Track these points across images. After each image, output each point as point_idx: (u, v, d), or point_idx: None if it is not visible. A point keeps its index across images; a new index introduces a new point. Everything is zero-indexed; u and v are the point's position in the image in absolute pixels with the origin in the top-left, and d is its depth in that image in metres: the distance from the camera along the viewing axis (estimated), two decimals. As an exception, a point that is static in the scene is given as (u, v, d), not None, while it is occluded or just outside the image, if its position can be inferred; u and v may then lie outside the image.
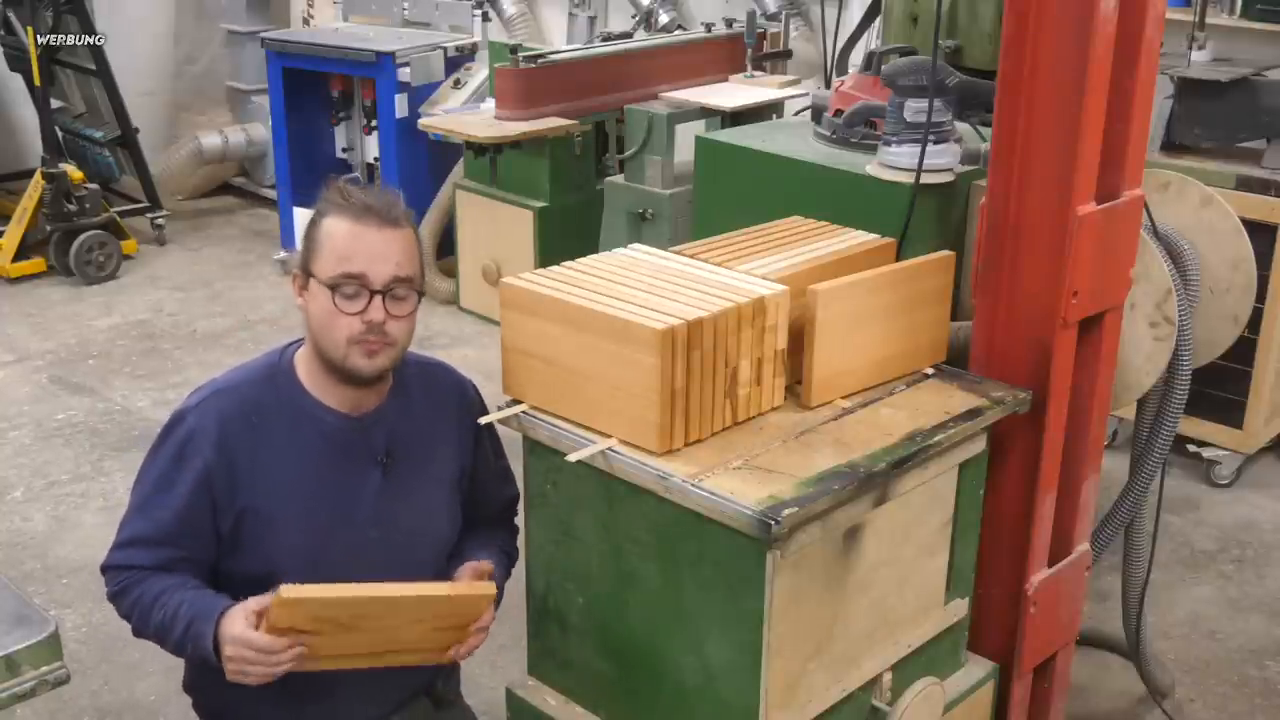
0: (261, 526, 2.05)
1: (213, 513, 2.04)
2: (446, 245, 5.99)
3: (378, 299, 2.01)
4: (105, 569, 2.10)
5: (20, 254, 6.21)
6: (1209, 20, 4.42)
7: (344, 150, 6.59)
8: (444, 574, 2.18)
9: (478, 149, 5.10)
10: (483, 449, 2.28)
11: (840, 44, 4.93)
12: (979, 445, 2.32)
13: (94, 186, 6.29)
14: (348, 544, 2.09)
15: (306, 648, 1.92)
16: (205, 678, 2.23)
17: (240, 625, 1.92)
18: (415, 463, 2.14)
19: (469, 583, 2.10)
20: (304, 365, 2.12)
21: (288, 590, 1.84)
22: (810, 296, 2.20)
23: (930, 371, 2.44)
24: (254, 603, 1.93)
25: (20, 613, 1.80)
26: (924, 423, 2.21)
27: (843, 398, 2.30)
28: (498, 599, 2.12)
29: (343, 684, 2.16)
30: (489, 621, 2.06)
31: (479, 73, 5.95)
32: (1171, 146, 4.26)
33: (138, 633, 2.09)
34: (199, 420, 2.07)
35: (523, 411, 2.22)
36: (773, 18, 5.77)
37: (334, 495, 2.09)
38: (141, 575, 2.05)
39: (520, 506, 2.32)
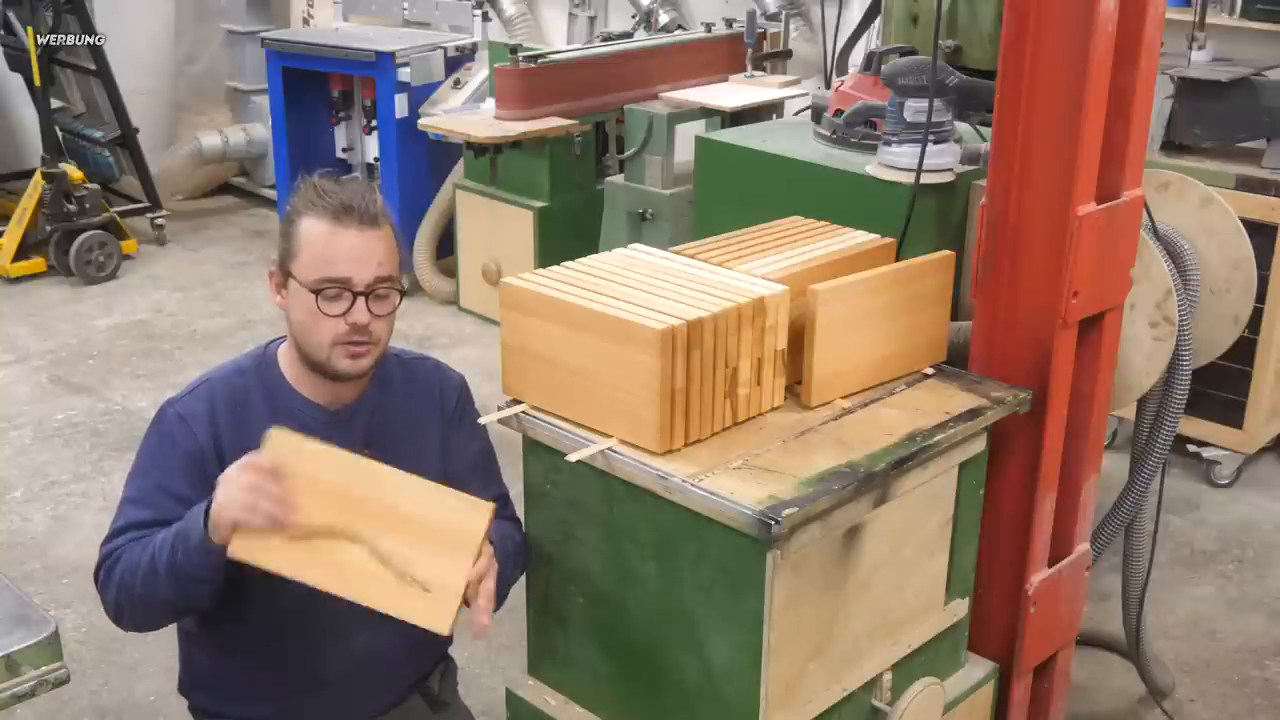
0: None
1: (207, 494, 2.03)
2: (446, 245, 5.99)
3: (361, 300, 2.01)
4: (100, 561, 2.05)
5: (20, 254, 6.21)
6: (1209, 20, 4.42)
7: (344, 150, 6.60)
8: None
9: (478, 149, 5.10)
10: (460, 440, 2.24)
11: (840, 44, 4.93)
12: (979, 445, 2.32)
13: (94, 186, 6.29)
14: None
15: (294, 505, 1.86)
16: (200, 676, 2.24)
17: (233, 468, 1.88)
18: (395, 455, 2.13)
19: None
20: (286, 359, 2.14)
21: (278, 429, 1.87)
22: (810, 296, 2.20)
23: (930, 371, 2.44)
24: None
25: (20, 613, 1.80)
26: (924, 423, 2.21)
27: (843, 398, 2.29)
28: (502, 591, 2.08)
29: (337, 680, 2.16)
30: (486, 566, 1.91)
31: (479, 73, 5.95)
32: (1171, 146, 4.26)
33: (128, 601, 1.99)
34: (189, 406, 2.09)
35: (523, 411, 2.22)
36: (773, 18, 5.77)
37: None
38: (132, 545, 2.00)
39: (520, 506, 2.31)
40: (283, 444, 1.89)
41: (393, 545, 1.88)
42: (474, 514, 1.92)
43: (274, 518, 1.84)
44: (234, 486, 1.85)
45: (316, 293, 2.00)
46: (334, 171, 2.12)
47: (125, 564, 1.99)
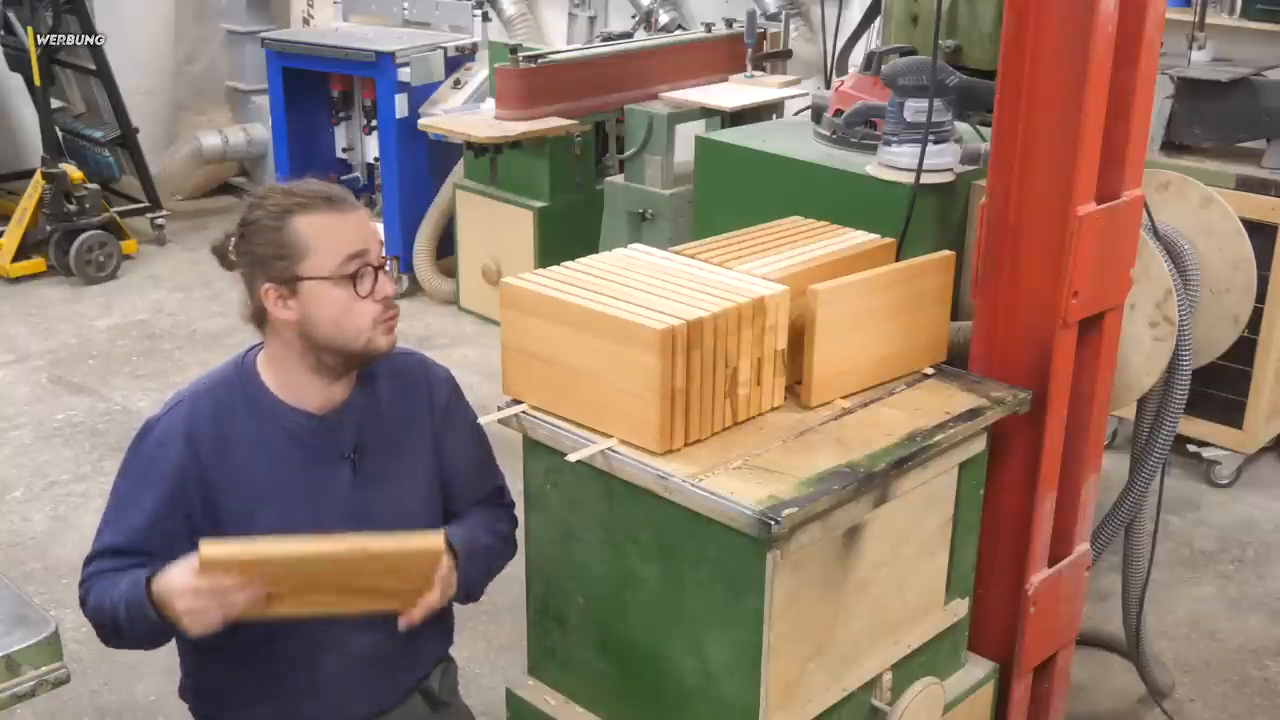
0: (238, 528, 2.03)
1: (188, 518, 2.02)
2: (446, 245, 5.99)
3: (382, 274, 2.03)
4: (80, 582, 2.06)
5: (20, 254, 6.21)
6: (1209, 20, 4.42)
7: (344, 150, 6.59)
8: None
9: (478, 149, 5.10)
10: (455, 436, 2.23)
11: (840, 44, 4.94)
12: (979, 445, 2.32)
13: (94, 186, 6.29)
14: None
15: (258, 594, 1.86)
16: (199, 680, 2.23)
17: (181, 577, 1.86)
18: (386, 455, 2.12)
19: (415, 535, 1.98)
20: (267, 368, 2.10)
21: (207, 548, 1.79)
22: (810, 296, 2.20)
23: (930, 371, 2.44)
24: (189, 559, 1.87)
25: (20, 613, 1.81)
26: (924, 423, 2.21)
27: (843, 398, 2.30)
28: (473, 575, 2.13)
29: (337, 684, 2.16)
30: (445, 573, 1.98)
31: (479, 73, 5.95)
32: (1171, 146, 4.26)
33: (108, 637, 2.03)
34: (168, 426, 2.06)
35: (523, 411, 2.22)
36: (773, 18, 5.77)
37: (305, 494, 2.07)
38: (100, 580, 2.01)
39: (520, 506, 2.31)
40: (216, 560, 1.82)
41: (359, 587, 1.90)
42: (428, 547, 1.91)
43: (234, 611, 1.86)
44: (189, 609, 1.85)
45: (351, 277, 1.99)
46: (293, 177, 2.14)
47: (94, 604, 2.01)
